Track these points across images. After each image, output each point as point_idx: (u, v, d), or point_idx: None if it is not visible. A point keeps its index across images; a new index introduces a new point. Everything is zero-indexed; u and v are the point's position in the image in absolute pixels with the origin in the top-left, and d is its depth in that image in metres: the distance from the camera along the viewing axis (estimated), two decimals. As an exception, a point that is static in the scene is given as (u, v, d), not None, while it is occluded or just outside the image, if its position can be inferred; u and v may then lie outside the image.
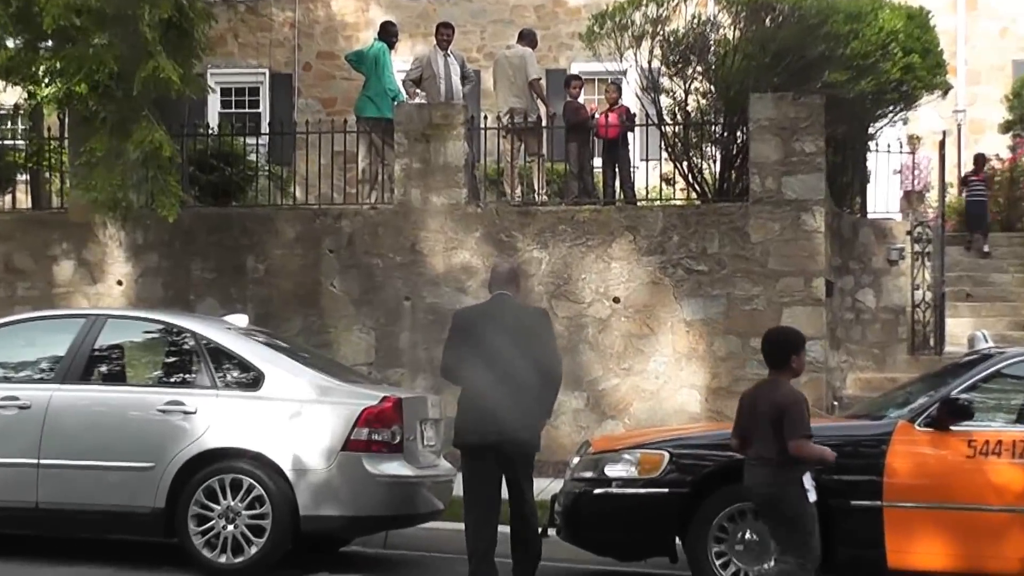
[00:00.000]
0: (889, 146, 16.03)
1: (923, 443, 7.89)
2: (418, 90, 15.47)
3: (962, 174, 20.61)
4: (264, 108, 21.92)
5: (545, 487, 9.54)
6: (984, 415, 7.99)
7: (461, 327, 8.19)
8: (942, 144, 16.65)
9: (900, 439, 7.90)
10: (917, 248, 15.18)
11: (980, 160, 19.95)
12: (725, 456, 7.92)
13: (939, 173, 16.72)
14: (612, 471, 8.30)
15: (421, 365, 14.06)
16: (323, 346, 13.88)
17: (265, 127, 19.11)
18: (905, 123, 18.17)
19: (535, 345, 8.06)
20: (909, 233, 15.33)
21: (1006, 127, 20.70)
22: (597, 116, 15.48)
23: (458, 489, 9.76)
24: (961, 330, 14.87)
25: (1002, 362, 8.20)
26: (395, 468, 8.72)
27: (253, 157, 16.90)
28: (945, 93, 17.50)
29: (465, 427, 8.00)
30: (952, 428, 7.86)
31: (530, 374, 7.97)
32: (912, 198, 19.53)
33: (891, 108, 16.53)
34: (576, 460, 8.75)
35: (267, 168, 17.15)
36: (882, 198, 16.72)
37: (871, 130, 16.78)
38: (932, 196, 19.35)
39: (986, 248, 18.61)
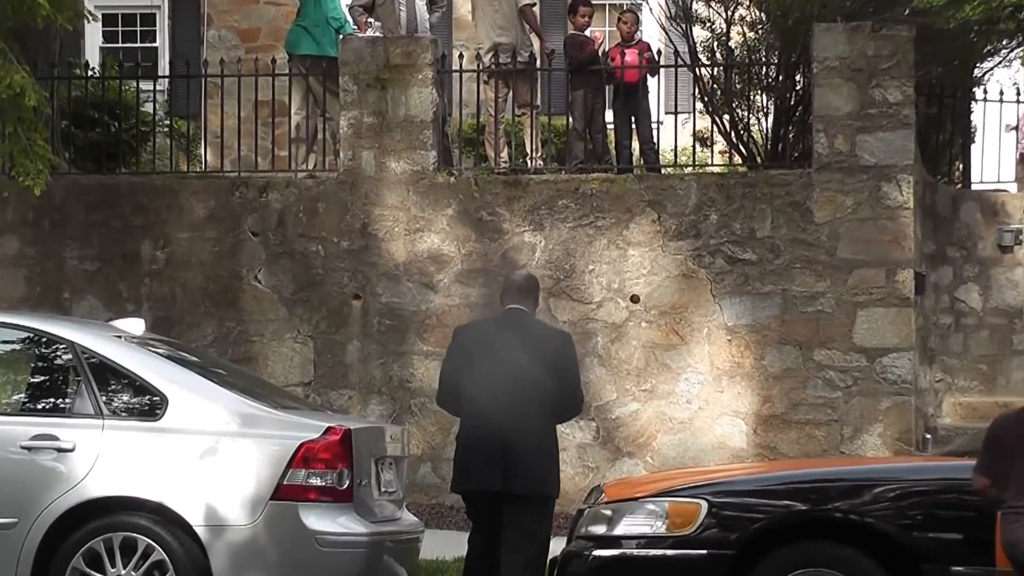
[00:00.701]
0: (1002, 93, 16.07)
1: (1050, 490, 7.93)
2: (370, 19, 15.47)
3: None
4: (162, 43, 21.88)
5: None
6: None
7: (464, 346, 8.67)
8: (1074, 91, 16.73)
9: (1018, 484, 7.95)
10: (1039, 230, 15.28)
11: None
12: (783, 507, 7.99)
13: (1069, 130, 16.79)
14: (631, 526, 8.33)
15: (375, 385, 14.08)
16: (245, 360, 13.92)
17: (164, 68, 19.10)
18: None
19: (555, 378, 8.52)
20: (1028, 210, 15.41)
21: None
22: (608, 52, 15.46)
23: (426, 551, 9.82)
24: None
25: None
26: (343, 523, 8.73)
27: (148, 108, 16.89)
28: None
29: (465, 470, 8.48)
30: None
31: (546, 409, 8.46)
32: (1032, 163, 19.60)
33: (1005, 43, 16.56)
34: (583, 512, 8.79)
35: (167, 123, 17.14)
36: (991, 163, 16.77)
37: (977, 72, 16.82)
38: (1059, 161, 19.42)
39: None
